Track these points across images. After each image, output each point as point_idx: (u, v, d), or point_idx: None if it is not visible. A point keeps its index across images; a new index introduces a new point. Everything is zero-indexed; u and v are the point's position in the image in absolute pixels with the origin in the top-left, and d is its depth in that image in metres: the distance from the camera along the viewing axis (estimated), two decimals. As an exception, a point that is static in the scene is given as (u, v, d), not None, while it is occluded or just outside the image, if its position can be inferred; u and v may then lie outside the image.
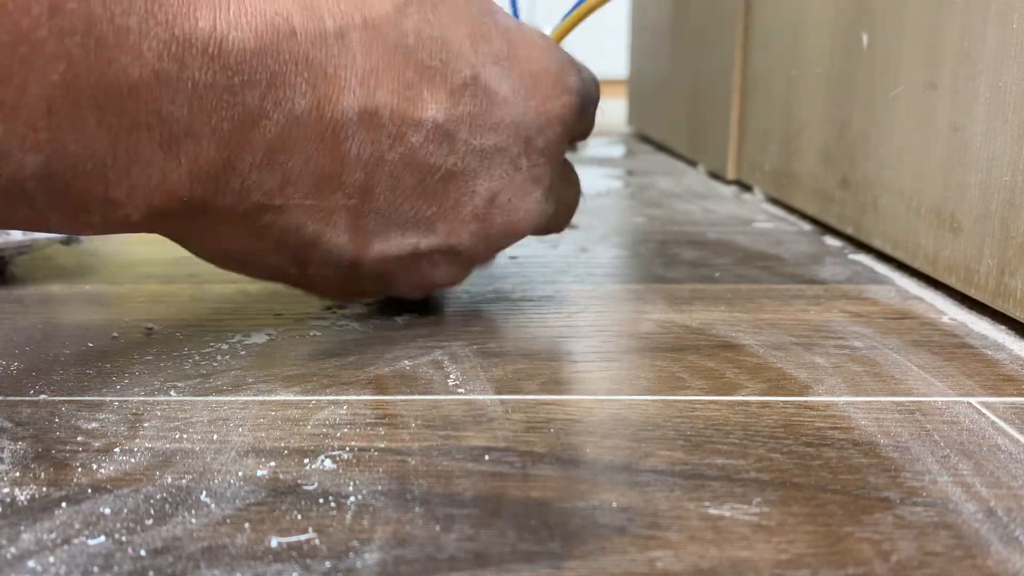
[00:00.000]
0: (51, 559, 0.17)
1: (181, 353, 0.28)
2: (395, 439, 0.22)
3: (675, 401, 0.25)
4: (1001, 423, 0.23)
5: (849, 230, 0.45)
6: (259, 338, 0.30)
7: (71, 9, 0.20)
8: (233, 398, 0.24)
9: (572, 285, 0.37)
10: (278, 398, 0.25)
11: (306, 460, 0.21)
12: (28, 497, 0.19)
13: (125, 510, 0.18)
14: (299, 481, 0.20)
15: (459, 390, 0.25)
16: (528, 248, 0.44)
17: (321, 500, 0.19)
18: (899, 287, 0.37)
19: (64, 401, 0.24)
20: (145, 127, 0.22)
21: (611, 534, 0.18)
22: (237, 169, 0.24)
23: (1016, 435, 0.22)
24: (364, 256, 0.28)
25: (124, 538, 0.17)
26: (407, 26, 0.27)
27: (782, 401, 0.25)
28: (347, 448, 0.21)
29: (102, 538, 0.17)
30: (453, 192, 0.28)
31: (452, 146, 0.28)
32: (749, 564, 0.17)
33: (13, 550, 0.17)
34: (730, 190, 0.66)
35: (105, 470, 0.20)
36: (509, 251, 0.43)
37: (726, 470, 0.20)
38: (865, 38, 0.43)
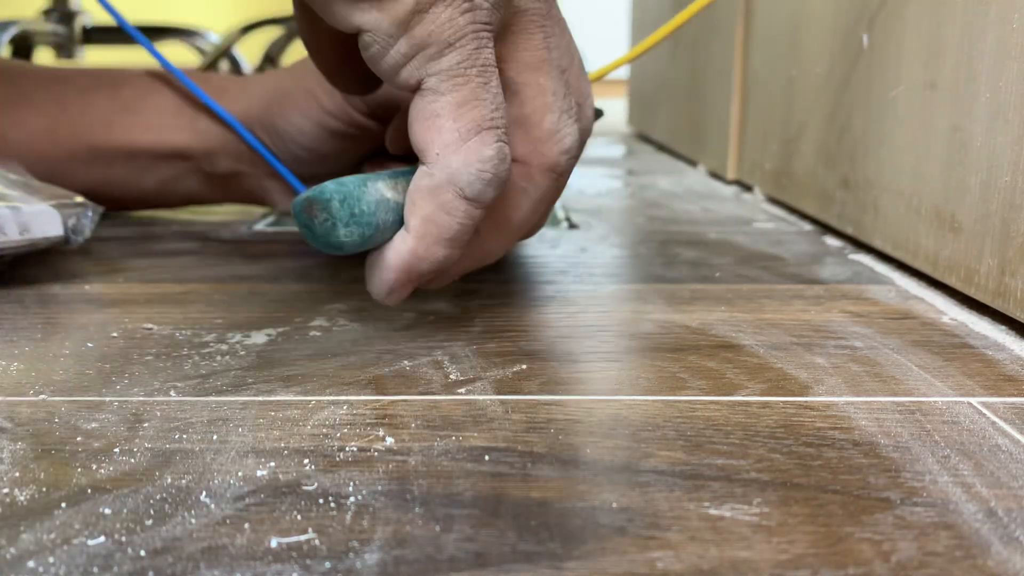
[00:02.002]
0: (51, 559, 0.17)
1: (181, 353, 0.28)
2: (395, 439, 0.22)
3: (675, 401, 0.24)
4: (1001, 423, 0.23)
5: (849, 230, 0.45)
6: (259, 338, 0.30)
7: None
8: (233, 398, 0.24)
9: (572, 285, 0.37)
10: (278, 398, 0.25)
11: (306, 460, 0.21)
12: (28, 497, 0.19)
13: (125, 510, 0.18)
14: (299, 481, 0.20)
15: (459, 390, 0.25)
16: (528, 248, 0.44)
17: (321, 500, 0.19)
18: (899, 287, 0.37)
19: (64, 401, 0.24)
20: None
21: (611, 534, 0.18)
22: None
23: (1016, 435, 0.22)
24: None
25: (124, 538, 0.17)
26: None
27: (782, 401, 0.25)
28: (347, 448, 0.21)
29: (102, 538, 0.17)
30: None
31: None
32: (749, 564, 0.17)
33: (13, 550, 0.17)
34: (730, 190, 0.66)
35: (105, 470, 0.20)
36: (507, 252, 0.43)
37: (726, 470, 0.20)
38: (865, 38, 0.43)
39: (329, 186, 0.27)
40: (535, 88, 0.29)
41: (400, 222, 0.28)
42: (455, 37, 0.26)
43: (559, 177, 0.30)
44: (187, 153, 0.48)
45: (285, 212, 0.52)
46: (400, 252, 0.27)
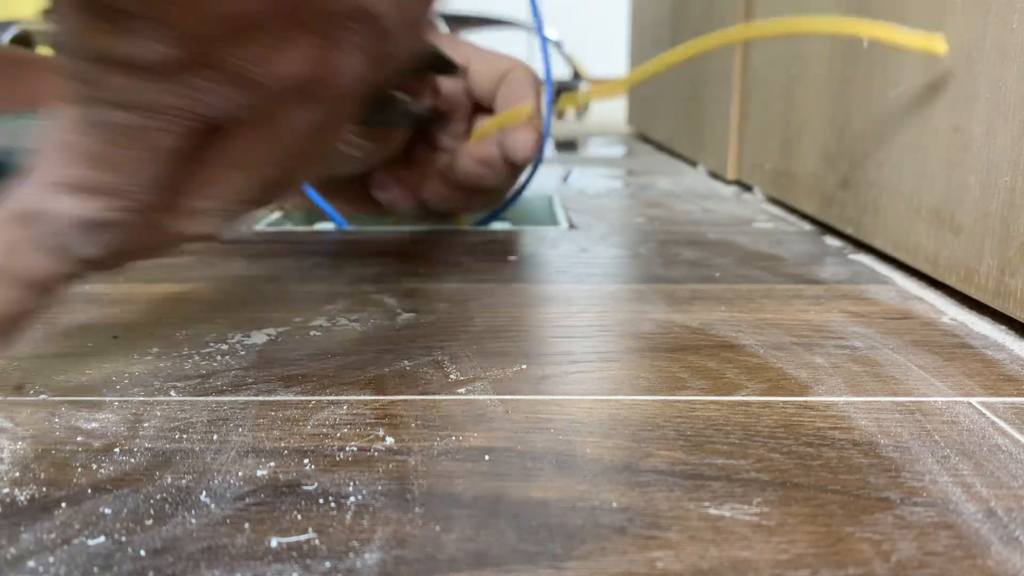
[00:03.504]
0: (51, 559, 0.17)
1: (181, 353, 0.28)
2: (395, 439, 0.22)
3: (675, 401, 0.24)
4: (1001, 423, 0.23)
5: (849, 230, 0.45)
6: (259, 338, 0.30)
7: None
8: (233, 398, 0.24)
9: (572, 285, 0.37)
10: (278, 398, 0.25)
11: (306, 460, 0.21)
12: (28, 497, 0.19)
13: (125, 510, 0.18)
14: (299, 481, 0.20)
15: (459, 390, 0.25)
16: (528, 248, 0.44)
17: (321, 500, 0.19)
18: (899, 287, 0.37)
19: (64, 401, 0.24)
20: None
21: (611, 534, 0.18)
22: None
23: (1016, 435, 0.22)
24: None
25: (124, 538, 0.17)
26: None
27: (782, 401, 0.25)
28: (347, 448, 0.21)
29: (102, 538, 0.17)
30: None
31: None
32: (749, 564, 0.17)
33: (13, 550, 0.17)
34: (730, 190, 0.66)
35: (105, 470, 0.20)
36: (507, 252, 0.43)
37: (726, 470, 0.20)
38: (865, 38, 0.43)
39: None
40: None
41: None
42: None
43: None
44: None
45: (290, 209, 0.53)
46: None
